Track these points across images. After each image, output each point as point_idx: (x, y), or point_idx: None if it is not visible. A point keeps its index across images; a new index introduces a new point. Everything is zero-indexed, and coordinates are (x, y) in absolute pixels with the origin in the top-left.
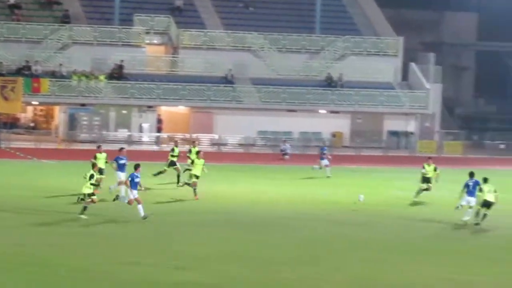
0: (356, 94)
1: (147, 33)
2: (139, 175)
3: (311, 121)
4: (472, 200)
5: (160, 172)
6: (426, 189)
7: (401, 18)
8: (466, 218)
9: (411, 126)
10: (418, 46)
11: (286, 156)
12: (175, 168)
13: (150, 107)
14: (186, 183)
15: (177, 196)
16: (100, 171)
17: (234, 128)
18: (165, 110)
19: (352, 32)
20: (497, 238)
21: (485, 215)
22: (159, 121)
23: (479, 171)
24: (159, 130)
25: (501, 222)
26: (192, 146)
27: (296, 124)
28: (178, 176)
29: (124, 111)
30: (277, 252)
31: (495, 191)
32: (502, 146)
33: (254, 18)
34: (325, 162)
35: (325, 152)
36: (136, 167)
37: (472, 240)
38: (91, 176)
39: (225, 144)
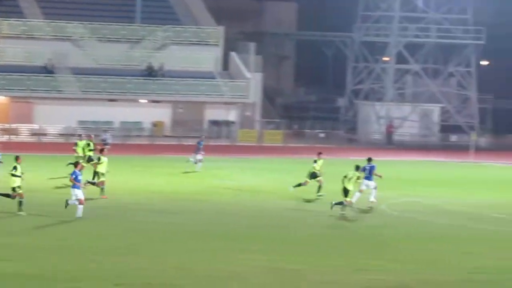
0: (177, 84)
1: None
2: (80, 173)
3: (132, 111)
4: (371, 184)
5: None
6: (300, 184)
7: (222, 8)
8: (372, 199)
9: (232, 115)
10: (238, 35)
11: (107, 146)
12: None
13: None
14: (90, 182)
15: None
16: None
17: (55, 118)
18: None
19: (172, 22)
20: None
21: (341, 202)
22: None
23: (299, 160)
24: None
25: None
26: (79, 139)
27: (117, 113)
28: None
29: None
30: (97, 242)
31: (358, 178)
32: (322, 135)
33: (75, 7)
34: (199, 157)
35: (201, 146)
36: (76, 164)
37: (300, 230)
38: (15, 168)
39: (45, 134)
